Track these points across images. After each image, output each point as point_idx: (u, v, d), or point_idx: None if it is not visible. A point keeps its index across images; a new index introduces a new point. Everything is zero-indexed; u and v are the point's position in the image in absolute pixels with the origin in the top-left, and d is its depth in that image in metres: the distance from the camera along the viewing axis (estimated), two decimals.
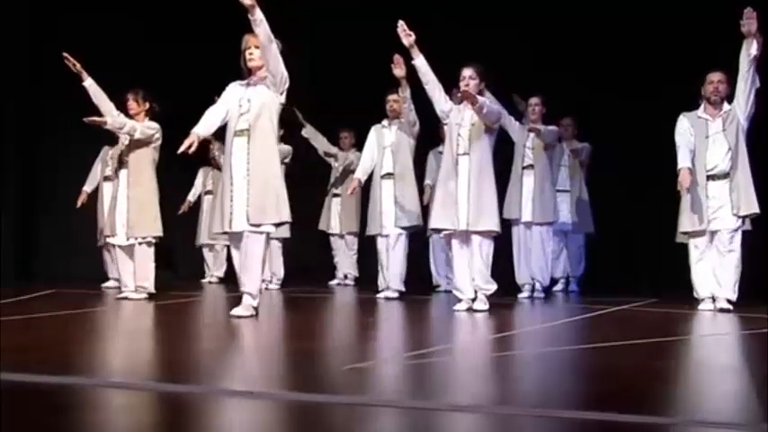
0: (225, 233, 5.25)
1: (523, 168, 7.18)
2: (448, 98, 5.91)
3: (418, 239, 7.64)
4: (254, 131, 5.11)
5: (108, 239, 6.73)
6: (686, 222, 5.87)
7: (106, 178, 7.59)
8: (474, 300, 5.72)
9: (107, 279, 7.85)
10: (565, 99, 7.68)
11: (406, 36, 5.67)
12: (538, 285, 7.18)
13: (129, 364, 3.61)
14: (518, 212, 7.11)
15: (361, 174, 7.15)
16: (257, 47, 5.06)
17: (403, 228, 6.88)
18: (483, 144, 5.75)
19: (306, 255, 8.94)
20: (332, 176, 8.57)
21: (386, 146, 7.01)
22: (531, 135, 7.15)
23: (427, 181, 7.80)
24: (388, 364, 3.63)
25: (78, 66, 6.22)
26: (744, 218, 5.78)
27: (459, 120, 5.84)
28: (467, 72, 5.78)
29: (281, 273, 8.09)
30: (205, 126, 5.24)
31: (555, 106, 7.34)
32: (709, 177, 5.81)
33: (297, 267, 8.70)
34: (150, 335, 4.88)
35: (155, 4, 8.85)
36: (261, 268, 5.11)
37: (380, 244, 7.01)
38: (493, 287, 5.74)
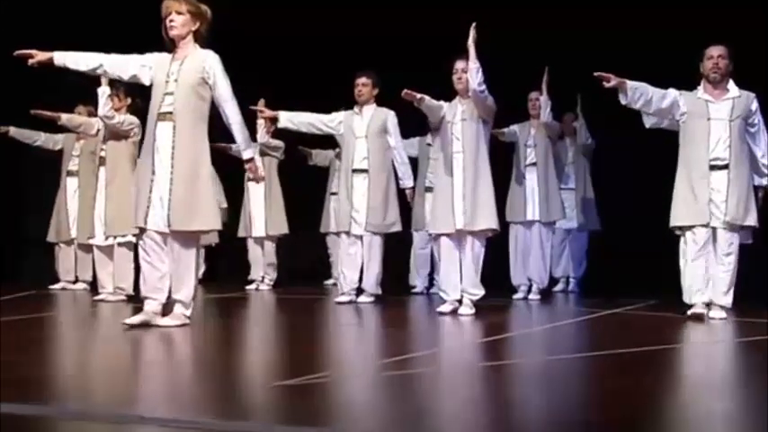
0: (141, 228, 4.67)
1: (526, 166, 6.92)
2: (442, 104, 5.63)
3: (394, 236, 7.39)
4: (181, 117, 4.54)
5: (88, 240, 6.54)
6: (683, 215, 5.20)
7: (69, 173, 7.30)
8: (460, 302, 5.46)
9: (57, 280, 7.40)
10: (567, 95, 7.40)
11: (416, 99, 5.39)
12: (534, 287, 6.91)
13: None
14: (522, 215, 6.87)
15: (286, 115, 6.33)
16: (179, 12, 4.55)
17: (373, 233, 6.29)
18: (477, 139, 5.49)
19: (304, 253, 8.72)
20: (330, 175, 8.33)
21: (358, 136, 6.33)
22: (533, 133, 6.91)
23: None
24: (332, 380, 3.23)
25: (50, 114, 6.40)
26: (740, 228, 5.18)
27: (452, 116, 5.58)
28: (460, 65, 5.52)
29: (273, 273, 7.85)
30: (77, 59, 4.57)
31: (556, 103, 7.06)
32: (712, 167, 5.14)
33: (296, 266, 8.50)
34: (79, 346, 4.40)
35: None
36: (194, 273, 4.62)
37: (343, 243, 6.41)
38: (480, 292, 5.48)
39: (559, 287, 7.70)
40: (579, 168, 7.63)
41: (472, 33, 5.25)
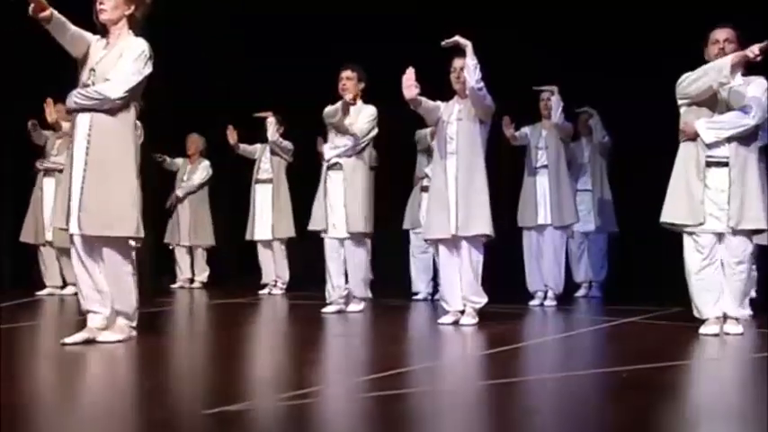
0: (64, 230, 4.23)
1: (537, 169, 6.64)
2: (439, 105, 5.37)
3: (396, 238, 7.17)
4: (98, 112, 4.07)
5: None
6: (674, 212, 4.66)
7: (46, 172, 7.10)
8: (463, 312, 5.21)
9: (44, 286, 7.15)
10: (582, 94, 7.11)
11: (410, 88, 5.04)
12: (550, 293, 6.63)
13: None
14: (534, 219, 6.59)
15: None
16: None
17: (350, 233, 5.85)
18: (473, 140, 5.22)
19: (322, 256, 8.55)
20: None
21: (338, 133, 5.90)
22: (544, 134, 6.63)
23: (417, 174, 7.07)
24: (308, 401, 2.99)
25: (54, 117, 6.32)
26: (745, 233, 4.59)
27: (447, 116, 5.33)
28: (458, 63, 5.26)
29: (285, 276, 7.68)
30: (67, 23, 3.99)
31: (572, 102, 6.83)
32: (709, 163, 4.58)
33: (314, 269, 8.33)
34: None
35: None
36: (132, 281, 4.17)
37: (327, 246, 5.96)
38: (483, 300, 5.22)
39: (581, 292, 7.44)
40: (596, 168, 7.35)
41: (456, 39, 4.98)
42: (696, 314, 4.72)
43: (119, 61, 4.08)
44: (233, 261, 9.16)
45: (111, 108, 4.07)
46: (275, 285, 7.66)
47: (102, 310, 4.16)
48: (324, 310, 5.87)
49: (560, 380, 3.56)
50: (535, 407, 3.08)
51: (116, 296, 4.18)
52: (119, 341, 4.14)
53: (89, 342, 4.08)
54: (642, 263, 7.53)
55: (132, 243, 6.00)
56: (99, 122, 4.08)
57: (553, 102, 6.45)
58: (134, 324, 4.25)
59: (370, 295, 6.00)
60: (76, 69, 4.18)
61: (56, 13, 3.91)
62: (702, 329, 4.65)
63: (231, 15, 8.64)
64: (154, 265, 8.19)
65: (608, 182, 7.35)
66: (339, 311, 5.87)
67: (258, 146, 7.71)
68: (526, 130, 6.67)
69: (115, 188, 4.08)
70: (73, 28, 4.04)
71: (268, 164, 7.62)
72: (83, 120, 4.12)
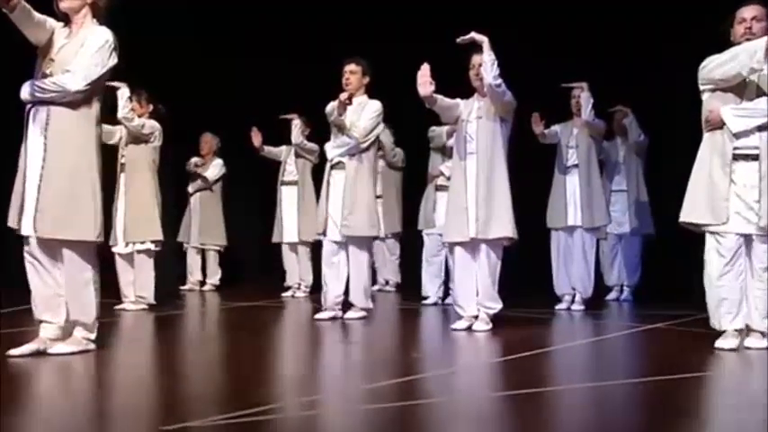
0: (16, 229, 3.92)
1: (568, 168, 6.42)
2: (458, 102, 5.18)
3: (406, 238, 6.96)
4: (56, 105, 3.80)
5: (111, 248, 6.40)
6: (694, 210, 4.25)
7: None
8: (476, 317, 5.05)
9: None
10: (616, 91, 6.88)
11: (425, 85, 4.84)
12: (578, 296, 6.41)
13: None
14: (563, 220, 6.39)
15: None
16: None
17: (349, 237, 5.58)
18: (494, 139, 5.03)
19: None
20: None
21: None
22: (575, 133, 6.41)
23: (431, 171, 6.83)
24: (306, 413, 2.90)
25: None
26: None
27: (467, 114, 5.15)
28: (477, 60, 5.08)
29: (309, 279, 7.57)
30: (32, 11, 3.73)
31: (605, 99, 6.62)
32: (736, 156, 4.17)
33: None
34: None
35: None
36: (93, 289, 3.88)
37: (324, 249, 5.69)
38: (498, 306, 5.05)
39: (612, 296, 7.21)
40: (631, 168, 7.09)
41: (472, 35, 4.80)
42: (713, 325, 4.30)
43: (80, 51, 3.83)
44: (251, 263, 9.08)
45: (71, 101, 3.80)
46: (298, 288, 7.57)
47: (55, 319, 3.90)
48: (317, 316, 5.64)
49: (570, 390, 3.42)
50: (542, 417, 2.95)
51: (74, 305, 3.90)
52: (72, 353, 3.87)
53: (39, 354, 3.82)
54: (678, 266, 7.24)
55: (152, 246, 6.19)
56: (57, 116, 3.80)
57: (582, 98, 6.24)
58: (92, 336, 3.97)
59: (371, 305, 5.72)
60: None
61: (22, 1, 3.67)
62: (718, 343, 4.25)
63: (248, 15, 8.58)
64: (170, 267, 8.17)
65: (644, 182, 7.09)
66: (334, 318, 5.59)
67: (283, 148, 7.60)
68: (556, 128, 6.48)
69: (75, 187, 3.81)
70: (38, 16, 3.78)
71: (293, 166, 7.52)
72: (39, 113, 3.82)
